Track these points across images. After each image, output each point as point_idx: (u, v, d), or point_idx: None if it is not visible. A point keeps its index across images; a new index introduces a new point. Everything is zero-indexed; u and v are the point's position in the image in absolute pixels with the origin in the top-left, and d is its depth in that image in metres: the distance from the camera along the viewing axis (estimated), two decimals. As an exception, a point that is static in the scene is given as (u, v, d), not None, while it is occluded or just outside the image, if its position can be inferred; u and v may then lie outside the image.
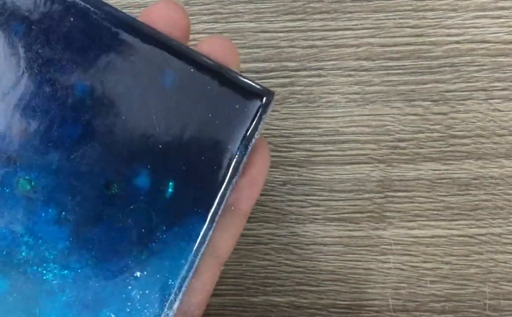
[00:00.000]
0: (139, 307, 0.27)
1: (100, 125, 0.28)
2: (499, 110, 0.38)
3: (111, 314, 0.27)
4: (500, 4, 0.36)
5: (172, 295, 0.27)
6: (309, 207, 0.40)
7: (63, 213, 0.28)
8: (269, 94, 0.29)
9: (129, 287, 0.27)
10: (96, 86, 0.28)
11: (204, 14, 0.38)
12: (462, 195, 0.39)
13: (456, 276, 0.40)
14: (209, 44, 0.29)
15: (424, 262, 0.40)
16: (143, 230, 0.28)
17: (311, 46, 0.38)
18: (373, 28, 0.37)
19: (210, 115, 0.28)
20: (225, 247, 0.30)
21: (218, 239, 0.29)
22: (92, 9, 0.28)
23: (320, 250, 0.41)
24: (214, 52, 0.29)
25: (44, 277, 0.27)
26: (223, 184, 0.28)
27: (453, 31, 0.37)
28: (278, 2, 0.37)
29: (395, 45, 0.38)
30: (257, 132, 0.29)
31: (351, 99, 0.38)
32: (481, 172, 0.39)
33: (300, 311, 0.42)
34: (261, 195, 0.39)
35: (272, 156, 0.39)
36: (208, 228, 0.28)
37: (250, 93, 0.29)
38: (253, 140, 0.29)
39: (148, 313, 0.27)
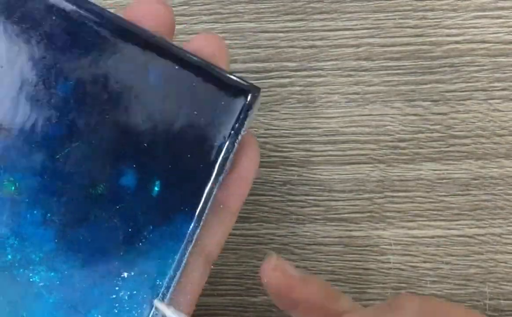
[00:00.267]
0: (127, 308, 0.27)
1: (85, 124, 0.28)
2: (499, 111, 0.38)
3: (99, 315, 0.27)
4: (500, 4, 0.36)
5: (160, 295, 0.27)
6: (309, 207, 0.40)
7: (49, 214, 0.27)
8: (255, 90, 0.29)
9: (117, 288, 0.27)
10: (80, 85, 0.28)
11: (204, 14, 0.38)
12: (462, 195, 0.39)
13: (456, 276, 0.40)
14: (197, 41, 0.29)
15: (424, 262, 0.40)
16: (129, 230, 0.28)
17: (311, 46, 0.38)
18: (373, 28, 0.37)
19: (195, 112, 0.28)
20: (214, 245, 0.30)
21: (206, 238, 0.29)
22: (74, 7, 0.28)
23: (320, 250, 0.41)
24: (202, 49, 0.29)
25: (31, 280, 0.27)
26: (209, 181, 0.28)
27: (453, 31, 0.37)
28: (278, 2, 0.37)
29: (395, 45, 0.38)
30: (243, 129, 0.28)
31: (351, 99, 0.38)
32: (481, 172, 0.39)
33: (300, 311, 0.42)
34: (261, 195, 0.39)
35: (272, 156, 0.39)
36: (195, 227, 0.28)
37: (235, 89, 0.28)
38: (240, 136, 0.28)
39: (136, 314, 0.27)
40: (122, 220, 0.28)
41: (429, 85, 0.38)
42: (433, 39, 0.37)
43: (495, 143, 0.38)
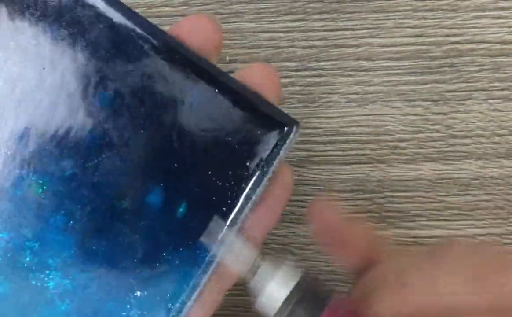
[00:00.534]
0: None
1: (118, 137, 0.27)
2: (499, 110, 0.38)
3: None
4: (500, 4, 0.36)
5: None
6: (307, 208, 0.40)
7: (71, 221, 0.27)
8: (293, 123, 0.28)
9: (128, 306, 0.27)
10: (118, 97, 0.28)
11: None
12: (462, 195, 0.39)
13: (456, 276, 0.40)
14: (250, 71, 0.28)
15: (424, 262, 0.40)
16: (149, 248, 0.27)
17: (311, 47, 0.38)
18: (373, 28, 0.37)
19: (229, 138, 0.27)
20: (233, 274, 0.28)
21: (224, 266, 0.28)
22: (124, 19, 0.28)
23: (320, 250, 0.41)
24: (252, 78, 0.28)
25: (45, 285, 0.27)
26: (233, 210, 0.27)
27: (453, 31, 0.37)
28: (278, 2, 0.37)
29: (395, 45, 0.38)
30: (276, 161, 0.28)
31: (351, 99, 0.38)
32: (481, 172, 0.39)
33: (300, 311, 0.42)
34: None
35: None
36: (215, 255, 0.27)
37: (273, 120, 0.28)
38: (271, 168, 0.28)
39: None
40: (143, 237, 0.27)
41: (429, 85, 0.38)
42: (433, 39, 0.37)
43: (495, 143, 0.38)
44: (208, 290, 0.28)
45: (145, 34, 0.28)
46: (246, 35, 0.38)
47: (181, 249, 0.27)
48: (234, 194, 0.27)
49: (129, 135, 0.28)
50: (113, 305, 0.27)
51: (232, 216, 0.27)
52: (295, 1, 0.37)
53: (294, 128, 0.28)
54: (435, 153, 0.39)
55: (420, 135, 0.39)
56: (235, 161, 0.27)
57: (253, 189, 0.27)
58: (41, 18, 0.28)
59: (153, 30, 0.28)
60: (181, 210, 0.27)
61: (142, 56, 0.28)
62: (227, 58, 0.38)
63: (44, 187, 0.27)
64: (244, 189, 0.27)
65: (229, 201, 0.27)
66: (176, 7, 0.38)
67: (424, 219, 0.40)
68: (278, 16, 0.38)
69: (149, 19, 0.38)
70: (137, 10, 0.38)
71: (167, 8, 0.38)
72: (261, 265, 0.26)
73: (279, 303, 0.24)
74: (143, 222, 0.27)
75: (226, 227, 0.27)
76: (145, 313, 0.27)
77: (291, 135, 0.28)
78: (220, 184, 0.27)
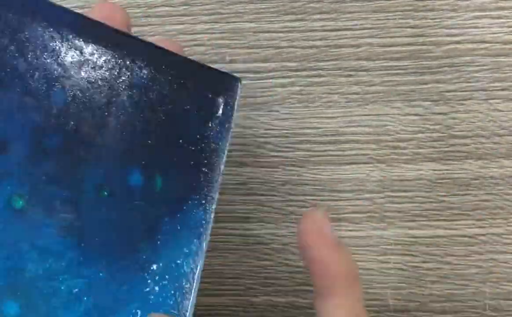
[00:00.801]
0: (160, 300, 0.27)
1: (86, 130, 0.28)
2: (499, 110, 0.38)
3: (136, 310, 0.27)
4: (500, 4, 0.36)
5: (190, 282, 0.27)
6: (309, 207, 0.40)
7: (64, 222, 0.27)
8: (235, 80, 0.30)
9: (148, 281, 0.27)
10: (74, 92, 0.28)
11: (204, 14, 0.38)
12: (462, 195, 0.39)
13: (456, 276, 0.40)
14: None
15: (424, 262, 0.40)
16: (146, 226, 0.28)
17: (311, 47, 0.38)
18: (373, 28, 0.37)
19: (187, 107, 0.29)
20: None
21: None
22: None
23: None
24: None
25: (58, 290, 0.27)
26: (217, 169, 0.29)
27: (453, 31, 0.37)
28: (278, 2, 0.37)
29: (395, 45, 0.38)
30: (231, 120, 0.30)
31: (351, 99, 0.38)
32: (481, 172, 0.39)
33: (300, 311, 0.42)
34: (261, 195, 0.39)
35: (272, 156, 0.39)
36: (208, 211, 0.28)
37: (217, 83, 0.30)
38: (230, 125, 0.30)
39: (168, 304, 0.27)
40: (136, 218, 0.28)
41: (429, 85, 0.38)
42: (433, 39, 0.37)
43: (495, 143, 0.38)
44: None
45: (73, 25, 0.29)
46: (246, 35, 0.38)
47: (175, 216, 0.28)
48: (197, 154, 0.29)
49: (97, 126, 0.28)
50: (130, 286, 0.27)
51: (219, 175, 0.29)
52: (295, 1, 0.37)
53: (239, 84, 0.30)
54: (435, 154, 0.39)
55: (420, 135, 0.39)
56: (199, 124, 0.29)
57: (217, 146, 0.30)
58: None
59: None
60: (159, 184, 0.28)
61: (78, 47, 0.29)
62: (227, 58, 0.38)
63: (26, 197, 0.27)
64: (207, 148, 0.29)
65: (205, 160, 0.29)
66: (176, 7, 0.38)
67: (424, 219, 0.40)
68: (278, 16, 0.38)
69: (149, 19, 0.38)
70: (137, 10, 0.38)
71: (167, 8, 0.38)
72: None
73: None
74: (130, 204, 0.28)
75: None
76: (165, 282, 0.27)
77: (238, 91, 0.30)
78: (187, 150, 0.29)
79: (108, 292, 0.27)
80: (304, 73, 0.38)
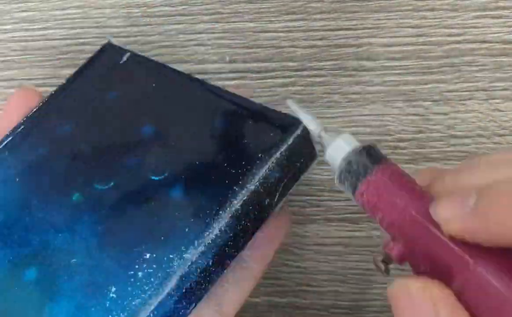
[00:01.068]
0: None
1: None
2: (500, 110, 0.38)
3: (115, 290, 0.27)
4: (500, 4, 0.36)
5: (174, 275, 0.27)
6: (309, 207, 0.40)
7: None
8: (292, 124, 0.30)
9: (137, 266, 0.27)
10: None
11: (204, 14, 0.38)
12: (463, 195, 0.39)
13: (456, 276, 0.40)
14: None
15: (425, 262, 0.40)
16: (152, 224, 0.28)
17: (312, 46, 0.38)
18: (374, 28, 0.37)
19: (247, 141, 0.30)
20: (231, 305, 0.28)
21: (223, 296, 0.28)
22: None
23: (320, 250, 0.41)
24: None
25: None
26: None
27: (453, 31, 0.37)
28: (278, 2, 0.37)
29: (395, 45, 0.38)
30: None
31: (352, 99, 0.38)
32: (481, 172, 0.39)
33: (301, 312, 0.42)
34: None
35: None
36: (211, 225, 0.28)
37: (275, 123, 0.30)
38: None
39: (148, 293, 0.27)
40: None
41: (429, 85, 0.38)
42: (433, 39, 0.37)
43: (495, 143, 0.38)
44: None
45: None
46: (246, 35, 0.38)
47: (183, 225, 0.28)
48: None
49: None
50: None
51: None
52: (295, 0, 0.37)
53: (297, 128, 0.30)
54: (435, 154, 0.39)
55: (420, 135, 0.39)
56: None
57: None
58: None
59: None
60: (179, 192, 0.29)
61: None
62: (227, 58, 0.38)
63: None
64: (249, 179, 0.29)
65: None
66: (176, 6, 0.38)
67: (424, 219, 0.40)
68: (278, 16, 0.38)
69: (149, 19, 0.38)
70: (137, 10, 0.38)
71: (167, 8, 0.38)
72: (327, 132, 0.29)
73: (343, 154, 0.27)
74: (166, 208, 0.29)
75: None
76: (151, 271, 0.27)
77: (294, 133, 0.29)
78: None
79: (102, 271, 0.27)
80: (305, 73, 0.38)
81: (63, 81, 0.34)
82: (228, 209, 0.28)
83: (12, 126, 0.33)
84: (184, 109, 0.32)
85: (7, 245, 0.29)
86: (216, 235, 0.27)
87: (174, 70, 0.34)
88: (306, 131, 0.30)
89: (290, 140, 0.29)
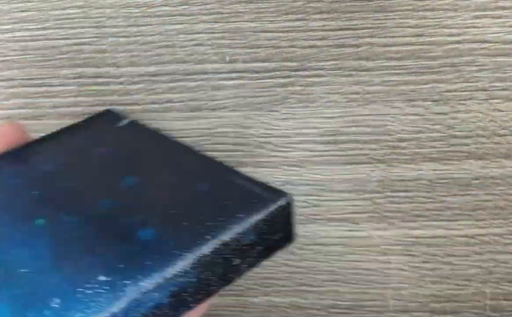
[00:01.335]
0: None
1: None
2: (500, 110, 0.38)
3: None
4: (500, 4, 0.36)
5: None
6: (309, 207, 0.40)
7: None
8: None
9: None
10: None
11: (204, 14, 0.38)
12: (463, 195, 0.39)
13: (456, 277, 0.40)
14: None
15: (425, 262, 0.40)
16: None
17: (311, 46, 0.38)
18: (373, 28, 0.37)
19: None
20: None
21: None
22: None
23: (321, 250, 0.41)
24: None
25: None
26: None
27: (453, 31, 0.37)
28: (278, 2, 0.37)
29: (395, 45, 0.38)
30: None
31: (351, 99, 0.38)
32: (481, 172, 0.39)
33: (301, 312, 0.42)
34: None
35: (272, 156, 0.39)
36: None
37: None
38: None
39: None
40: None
41: (429, 85, 0.38)
42: (433, 39, 0.37)
43: (495, 143, 0.38)
44: None
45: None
46: (246, 35, 0.38)
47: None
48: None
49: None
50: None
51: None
52: (295, 0, 0.37)
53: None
54: (435, 153, 0.39)
55: (420, 135, 0.38)
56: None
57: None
58: None
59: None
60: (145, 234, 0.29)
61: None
62: (227, 58, 0.38)
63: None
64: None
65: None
66: (176, 6, 0.38)
67: (424, 219, 0.40)
68: (278, 16, 0.38)
69: (149, 19, 0.38)
70: (137, 10, 0.38)
71: (167, 8, 0.38)
72: None
73: None
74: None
75: None
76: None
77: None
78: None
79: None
80: (304, 73, 0.38)
81: (59, 128, 0.35)
82: (195, 253, 0.28)
83: None
84: (170, 170, 0.32)
85: None
86: (177, 274, 0.27)
87: (172, 138, 0.34)
88: (289, 205, 0.30)
89: (272, 208, 0.29)
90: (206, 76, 0.39)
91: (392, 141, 0.39)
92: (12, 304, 0.27)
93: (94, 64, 0.39)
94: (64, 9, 0.38)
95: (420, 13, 0.37)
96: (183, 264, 0.27)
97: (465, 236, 0.40)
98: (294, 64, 0.38)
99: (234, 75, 0.38)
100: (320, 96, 0.38)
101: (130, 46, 0.38)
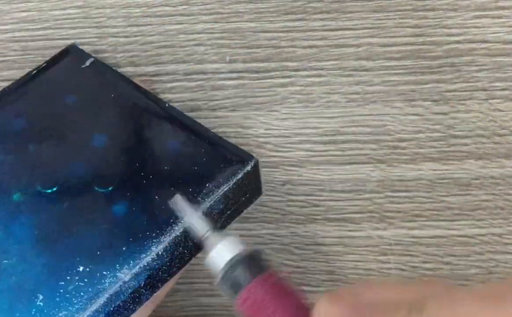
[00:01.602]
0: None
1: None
2: (500, 110, 0.38)
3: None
4: (500, 4, 0.36)
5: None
6: (309, 207, 0.40)
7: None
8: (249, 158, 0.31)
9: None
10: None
11: (204, 14, 0.38)
12: (463, 195, 0.39)
13: (456, 277, 0.40)
14: None
15: (424, 262, 0.40)
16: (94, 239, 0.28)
17: (311, 46, 0.38)
18: (373, 28, 0.37)
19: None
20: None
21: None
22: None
23: (320, 250, 0.41)
24: None
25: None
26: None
27: (453, 31, 0.37)
28: (278, 2, 0.37)
29: (395, 45, 0.38)
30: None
31: (351, 99, 0.38)
32: (481, 172, 0.39)
33: (300, 311, 0.42)
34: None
35: (272, 156, 0.39)
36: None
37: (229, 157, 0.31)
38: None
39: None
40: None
41: (429, 85, 0.38)
42: (433, 39, 0.37)
43: (495, 143, 0.38)
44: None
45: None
46: (246, 35, 0.38)
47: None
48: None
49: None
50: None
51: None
52: (295, 0, 0.37)
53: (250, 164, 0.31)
54: (435, 153, 0.39)
55: (420, 135, 0.38)
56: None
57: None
58: None
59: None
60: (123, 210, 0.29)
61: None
62: (227, 58, 0.38)
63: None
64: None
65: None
66: (176, 6, 0.38)
67: (424, 219, 0.40)
68: (278, 16, 0.38)
69: (149, 19, 0.38)
70: (137, 10, 0.38)
71: (167, 8, 0.38)
72: (212, 234, 0.28)
73: (224, 261, 0.27)
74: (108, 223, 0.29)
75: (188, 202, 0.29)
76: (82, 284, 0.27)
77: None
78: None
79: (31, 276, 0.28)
80: (304, 73, 0.38)
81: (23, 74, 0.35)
82: (168, 234, 0.28)
83: None
84: (140, 127, 0.32)
85: None
86: (152, 259, 0.28)
87: (135, 84, 0.34)
88: (256, 167, 0.30)
89: (239, 176, 0.30)
90: (206, 76, 0.39)
91: (392, 141, 0.39)
92: None
93: (94, 64, 0.39)
94: (64, 9, 0.38)
95: (420, 13, 0.37)
96: (156, 249, 0.28)
97: (465, 236, 0.40)
98: (294, 64, 0.38)
99: (234, 75, 0.38)
100: (320, 96, 0.38)
101: (130, 46, 0.38)
